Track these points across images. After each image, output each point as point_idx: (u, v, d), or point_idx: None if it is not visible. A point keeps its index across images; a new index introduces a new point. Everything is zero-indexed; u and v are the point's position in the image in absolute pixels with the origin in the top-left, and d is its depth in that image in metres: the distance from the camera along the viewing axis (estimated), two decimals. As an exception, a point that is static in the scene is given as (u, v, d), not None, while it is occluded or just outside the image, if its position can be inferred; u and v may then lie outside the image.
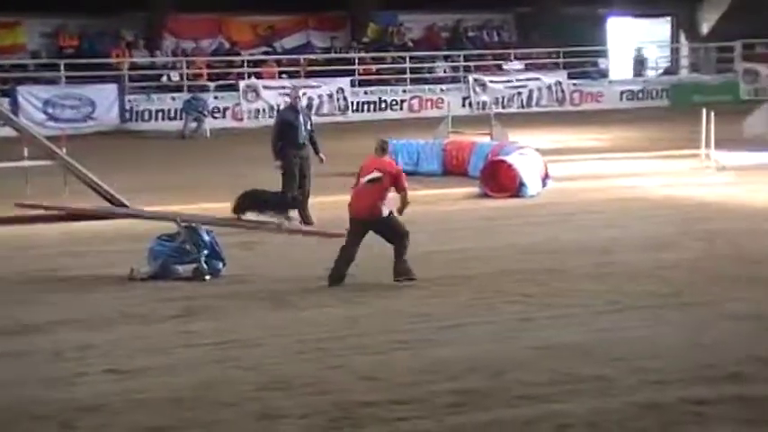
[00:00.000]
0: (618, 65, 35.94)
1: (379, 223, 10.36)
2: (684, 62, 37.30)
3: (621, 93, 33.00)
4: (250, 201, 12.38)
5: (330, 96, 29.56)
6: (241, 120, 28.51)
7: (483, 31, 35.22)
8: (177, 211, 13.20)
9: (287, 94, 17.64)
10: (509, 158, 16.35)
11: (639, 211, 14.44)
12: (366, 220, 10.37)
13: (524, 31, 35.13)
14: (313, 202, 14.01)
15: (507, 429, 6.62)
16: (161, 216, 12.82)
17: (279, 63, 31.12)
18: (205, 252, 11.01)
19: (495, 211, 14.75)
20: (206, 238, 11.12)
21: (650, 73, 35.57)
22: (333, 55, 32.17)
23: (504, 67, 33.00)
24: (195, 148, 24.62)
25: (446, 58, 33.39)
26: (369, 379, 7.56)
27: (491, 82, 31.53)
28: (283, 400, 7.17)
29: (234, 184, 13.60)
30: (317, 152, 14.09)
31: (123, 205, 14.57)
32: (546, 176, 16.71)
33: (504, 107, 30.45)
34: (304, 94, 23.27)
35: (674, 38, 38.39)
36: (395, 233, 10.37)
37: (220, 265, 11.08)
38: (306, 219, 13.72)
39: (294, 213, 13.14)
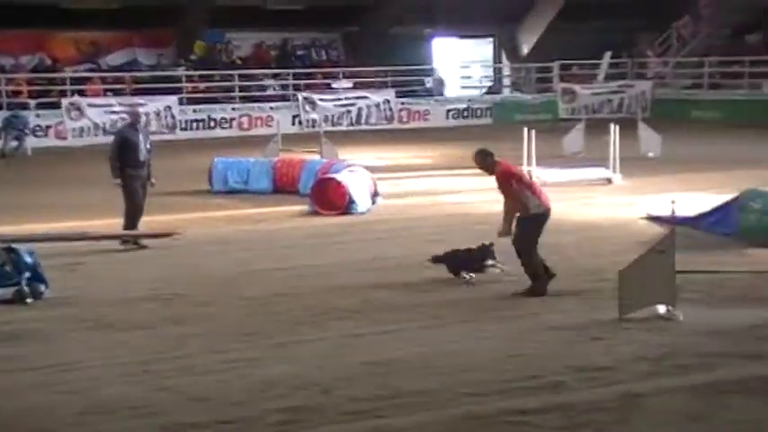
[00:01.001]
0: (444, 84, 36.69)
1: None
2: (507, 81, 38.45)
3: (448, 111, 33.70)
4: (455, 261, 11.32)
5: (157, 114, 29.06)
6: (65, 138, 27.72)
7: (311, 49, 35.43)
8: (-3, 232, 12.73)
9: (126, 113, 17.26)
10: (338, 176, 16.46)
11: (465, 225, 14.74)
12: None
13: (352, 50, 35.53)
14: (146, 219, 13.81)
15: (335, 445, 6.65)
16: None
17: (104, 80, 30.45)
18: (27, 274, 10.64)
19: (324, 228, 14.81)
20: (28, 260, 10.75)
21: (474, 92, 36.47)
22: (160, 72, 31.71)
23: (333, 85, 33.27)
24: (17, 168, 23.82)
25: (275, 76, 33.40)
26: (197, 400, 7.46)
27: (320, 100, 31.68)
28: (108, 423, 7.00)
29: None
30: (148, 176, 13.88)
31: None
32: (375, 194, 16.90)
33: (333, 125, 30.62)
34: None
35: (497, 58, 39.56)
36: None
37: (43, 287, 10.73)
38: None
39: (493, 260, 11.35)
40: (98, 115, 27.76)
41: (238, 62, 33.62)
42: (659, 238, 9.70)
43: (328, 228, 14.82)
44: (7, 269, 10.60)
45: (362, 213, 15.93)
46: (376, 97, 32.55)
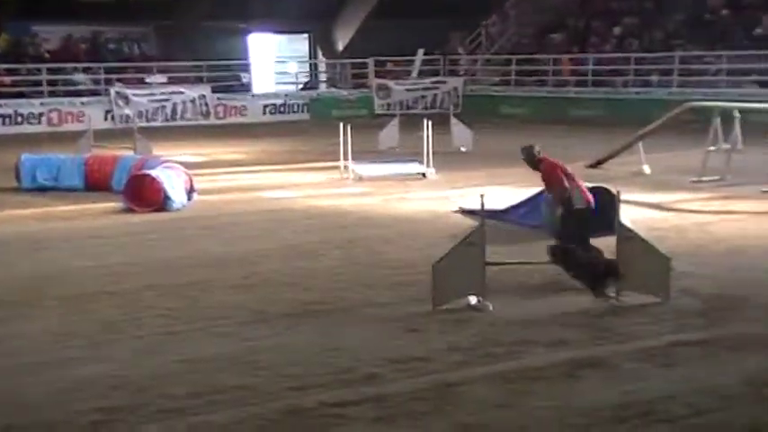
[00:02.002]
0: (260, 79, 36.65)
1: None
2: (323, 77, 38.67)
3: (265, 106, 33.63)
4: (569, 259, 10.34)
5: (-40, 110, 27.85)
6: None
7: (123, 43, 34.69)
8: None
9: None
10: (153, 172, 16.19)
11: (283, 221, 14.77)
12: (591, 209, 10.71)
13: (166, 44, 34.98)
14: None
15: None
16: None
17: None
18: None
19: (140, 225, 14.55)
20: None
21: (291, 88, 36.50)
22: (-40, 67, 30.43)
23: (147, 80, 32.66)
24: None
25: (86, 70, 32.51)
26: (9, 403, 7.23)
27: (134, 95, 31.05)
28: None
29: None
30: None
31: None
32: (191, 190, 16.70)
33: (148, 121, 30.10)
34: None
35: (313, 54, 39.74)
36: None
37: None
38: None
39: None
40: None
41: (46, 56, 32.55)
42: (470, 231, 9.97)
43: (144, 225, 14.56)
44: None
45: (179, 210, 15.73)
46: (191, 92, 32.15)
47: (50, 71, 31.27)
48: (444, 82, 34.97)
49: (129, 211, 15.57)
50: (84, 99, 30.69)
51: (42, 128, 29.04)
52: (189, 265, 11.83)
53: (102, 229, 14.30)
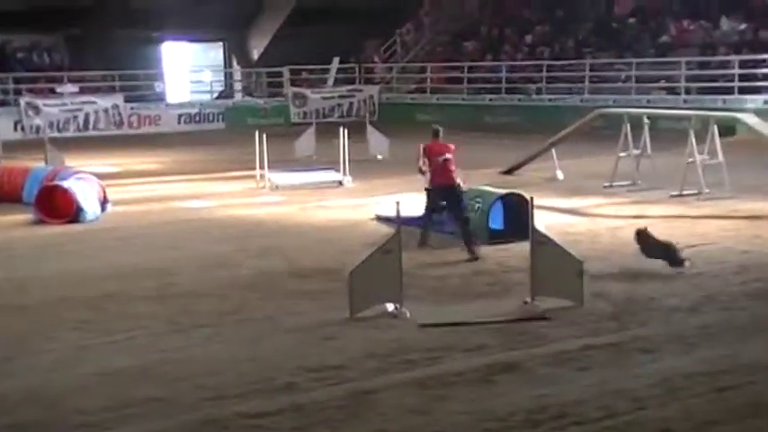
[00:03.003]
0: (174, 88, 36.31)
1: (454, 190, 12.70)
2: (238, 86, 38.44)
3: (179, 116, 33.29)
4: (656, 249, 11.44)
5: None
6: None
7: (33, 52, 34.04)
8: None
9: None
10: (65, 183, 15.92)
11: (199, 231, 14.65)
12: (448, 186, 12.69)
13: (77, 54, 34.41)
14: None
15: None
16: None
17: None
18: None
19: (52, 237, 14.29)
20: None
21: (206, 97, 36.21)
22: None
23: (58, 89, 32.02)
24: None
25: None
26: None
27: (45, 105, 30.33)
28: None
29: None
30: None
31: None
32: (105, 201, 16.46)
33: (59, 131, 29.44)
34: None
35: (227, 63, 39.50)
36: (460, 201, 12.72)
37: None
38: None
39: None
40: None
41: (-50, 65, 31.84)
42: (387, 239, 9.99)
43: (56, 237, 14.31)
44: None
45: (92, 221, 15.49)
46: (104, 102, 31.51)
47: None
48: (360, 90, 34.88)
49: (40, 222, 15.29)
50: (-9, 110, 30.08)
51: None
52: (103, 276, 11.65)
53: (13, 242, 14.02)
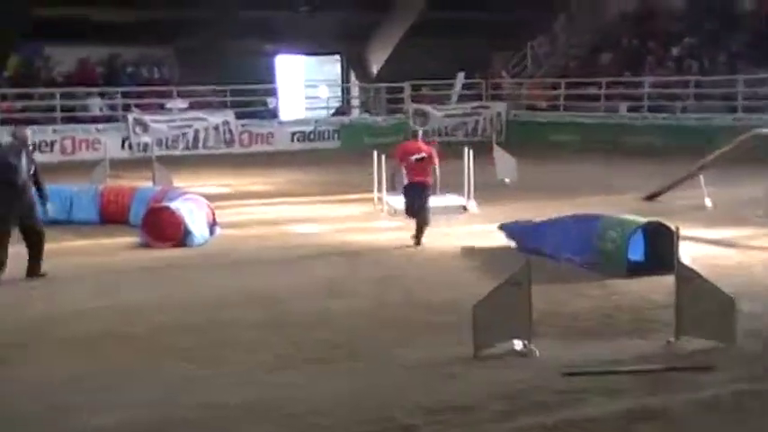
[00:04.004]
0: (288, 104, 36.84)
1: (426, 189, 15.56)
2: (356, 102, 38.77)
3: (293, 134, 33.75)
4: None
5: (-31, 136, 28.16)
6: None
7: (142, 66, 35.00)
8: None
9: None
10: (173, 205, 16.28)
11: (313, 257, 14.81)
12: (423, 184, 15.50)
13: (187, 67, 35.21)
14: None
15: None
16: None
17: None
18: None
19: (159, 261, 14.63)
20: None
21: (321, 113, 36.65)
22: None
23: (167, 105, 32.92)
24: None
25: (102, 95, 32.85)
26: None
27: (153, 122, 31.32)
28: None
29: None
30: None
31: None
32: (214, 223, 16.79)
33: (167, 149, 30.35)
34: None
35: (345, 77, 39.85)
36: (426, 202, 15.60)
37: None
38: None
39: None
40: None
41: (59, 79, 32.92)
42: (516, 270, 9.92)
43: (162, 261, 14.64)
44: None
45: (200, 245, 15.81)
46: (214, 118, 32.38)
47: (64, 96, 31.63)
48: (486, 107, 35.05)
49: (147, 246, 15.67)
50: (100, 126, 30.98)
51: (55, 156, 29.31)
52: (210, 303, 11.86)
53: (119, 266, 14.38)
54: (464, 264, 14.15)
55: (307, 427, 7.67)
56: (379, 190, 19.05)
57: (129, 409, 8.18)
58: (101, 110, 32.54)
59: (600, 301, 11.66)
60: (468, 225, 17.47)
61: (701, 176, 19.16)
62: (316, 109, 37.51)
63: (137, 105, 32.41)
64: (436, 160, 15.65)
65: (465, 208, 18.95)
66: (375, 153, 19.01)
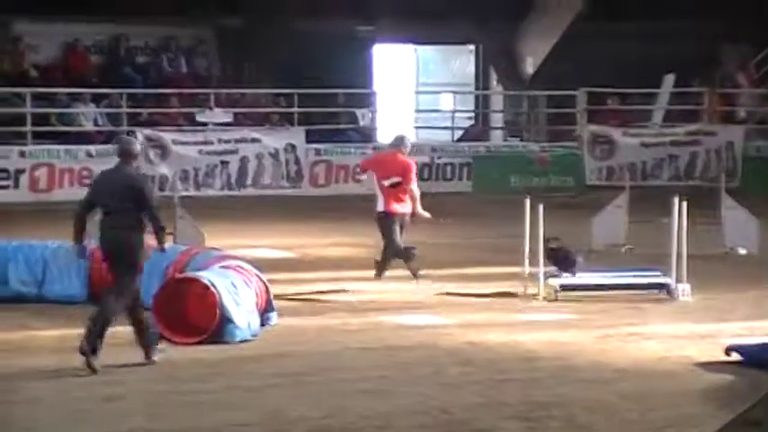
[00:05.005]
0: (390, 120, 36.78)
1: (405, 224, 19.75)
2: (498, 120, 38.71)
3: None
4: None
5: None
6: None
7: (161, 54, 35.28)
8: None
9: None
10: (204, 276, 16.42)
11: (422, 366, 14.77)
12: (403, 217, 19.60)
13: (232, 59, 35.44)
14: None
15: None
16: None
17: None
18: None
19: (179, 368, 14.69)
20: None
21: (442, 136, 36.66)
22: None
23: (200, 117, 33.10)
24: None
25: (98, 99, 33.08)
26: None
27: (176, 143, 31.52)
28: None
29: None
30: None
31: None
32: (267, 307, 16.90)
33: (198, 187, 30.61)
34: None
35: (481, 79, 39.83)
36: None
37: None
38: None
39: None
40: None
41: (33, 73, 33.47)
42: (750, 399, 9.88)
43: (185, 367, 14.74)
44: None
45: (245, 341, 15.92)
46: (273, 140, 32.57)
47: (38, 99, 32.06)
48: (712, 134, 34.83)
49: (162, 340, 15.79)
50: (94, 148, 31.22)
51: (21, 194, 29.69)
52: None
53: (118, 374, 14.49)
54: (663, 383, 14.03)
55: None
56: (533, 261, 19.03)
57: None
58: (95, 122, 32.92)
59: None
60: (673, 321, 17.36)
61: None
62: (434, 129, 37.57)
63: (151, 117, 32.76)
64: (412, 176, 19.44)
65: (670, 292, 18.82)
66: (527, 202, 19.01)
